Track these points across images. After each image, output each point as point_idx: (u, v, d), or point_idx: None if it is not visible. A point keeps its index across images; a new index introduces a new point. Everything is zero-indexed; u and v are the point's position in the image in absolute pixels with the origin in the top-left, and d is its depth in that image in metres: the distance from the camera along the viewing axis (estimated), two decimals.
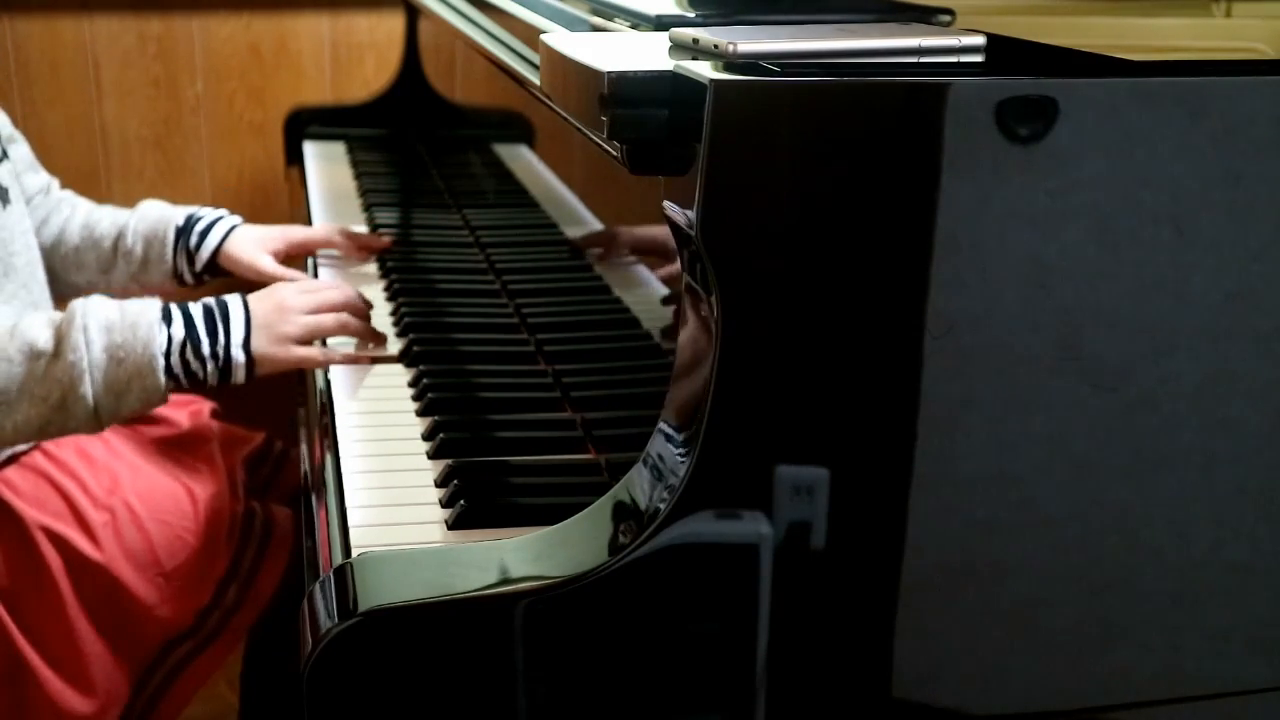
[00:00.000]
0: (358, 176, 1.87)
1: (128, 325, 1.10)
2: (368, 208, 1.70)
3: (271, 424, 1.53)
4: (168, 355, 1.11)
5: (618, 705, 0.74)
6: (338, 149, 2.03)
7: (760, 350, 0.70)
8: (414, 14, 2.05)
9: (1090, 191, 0.71)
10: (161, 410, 1.41)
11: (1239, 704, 0.83)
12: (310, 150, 2.02)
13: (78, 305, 1.12)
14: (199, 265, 1.44)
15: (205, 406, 1.47)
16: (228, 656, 1.31)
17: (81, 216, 1.46)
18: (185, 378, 1.12)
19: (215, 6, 2.14)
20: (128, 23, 2.12)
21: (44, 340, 1.09)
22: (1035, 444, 0.74)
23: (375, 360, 1.21)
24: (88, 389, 1.08)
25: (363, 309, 1.23)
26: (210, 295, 1.18)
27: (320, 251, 1.49)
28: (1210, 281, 0.74)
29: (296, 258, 1.48)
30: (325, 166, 1.94)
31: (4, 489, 1.20)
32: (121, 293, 1.42)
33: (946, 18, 0.93)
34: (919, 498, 0.73)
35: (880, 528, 0.74)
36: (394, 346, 1.26)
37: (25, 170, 1.44)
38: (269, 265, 1.43)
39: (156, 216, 1.45)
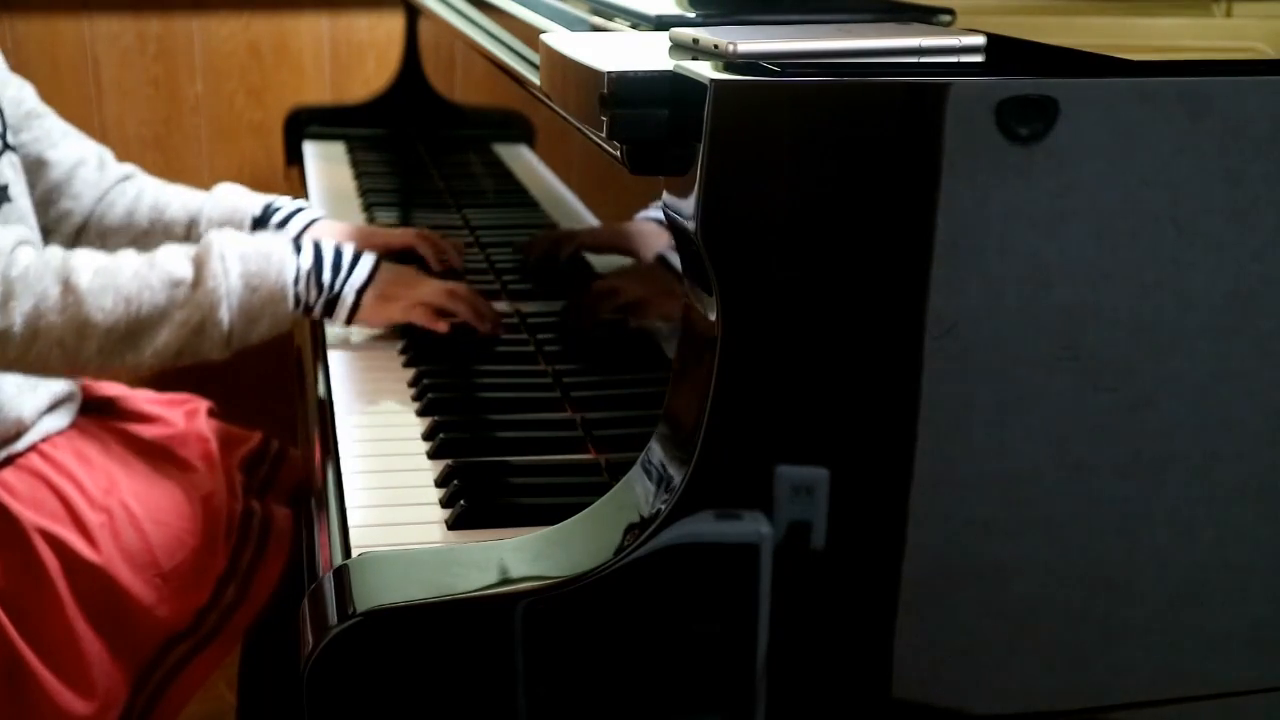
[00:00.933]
0: (358, 176, 1.87)
1: (262, 255, 1.17)
2: (368, 208, 1.70)
3: (268, 423, 1.53)
4: (296, 282, 1.17)
5: (618, 705, 0.74)
6: (338, 149, 2.03)
7: (760, 350, 0.70)
8: (414, 14, 2.05)
9: (1090, 191, 0.71)
10: (158, 410, 1.41)
11: (1239, 704, 0.83)
12: (310, 150, 2.02)
13: (214, 236, 1.18)
14: None
15: (201, 406, 1.46)
16: (226, 656, 1.30)
17: (150, 198, 1.43)
18: (303, 306, 1.18)
19: (215, 6, 2.14)
20: (127, 23, 2.12)
21: (183, 269, 1.15)
22: (1035, 444, 0.74)
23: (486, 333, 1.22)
24: (224, 314, 1.14)
25: (488, 313, 1.23)
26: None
27: None
28: (1210, 281, 0.74)
29: None
30: (325, 166, 1.94)
31: (1, 491, 1.20)
32: None
33: (946, 18, 0.93)
34: (919, 498, 0.73)
35: (880, 528, 0.74)
36: (394, 346, 1.26)
37: (60, 140, 1.40)
38: None
39: (232, 205, 1.42)
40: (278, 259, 1.17)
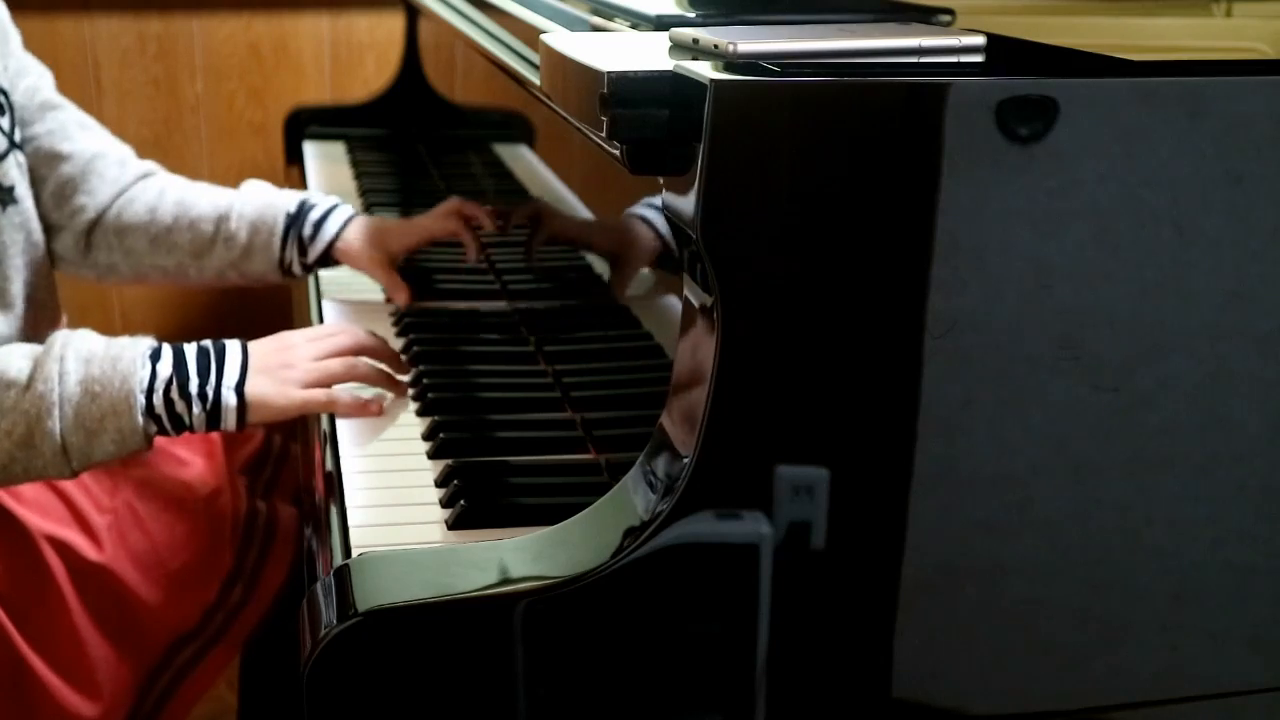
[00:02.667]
0: (358, 176, 1.87)
1: (109, 358, 1.03)
2: (368, 208, 1.70)
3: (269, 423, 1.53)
4: (150, 393, 1.03)
5: (618, 705, 0.74)
6: (338, 149, 2.03)
7: (760, 350, 0.70)
8: (414, 14, 2.06)
9: (1090, 191, 0.71)
10: None
11: (1239, 704, 0.83)
12: (310, 150, 2.02)
13: (60, 336, 1.05)
14: (312, 256, 1.34)
15: None
16: (234, 657, 1.30)
17: (175, 194, 1.37)
18: (169, 419, 1.04)
19: (215, 6, 2.14)
20: (128, 23, 2.12)
21: (16, 370, 1.02)
22: (1035, 444, 0.74)
23: (382, 410, 1.11)
24: (55, 423, 1.01)
25: (381, 350, 1.15)
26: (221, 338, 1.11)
27: (324, 281, 1.43)
28: (1210, 281, 0.74)
29: (415, 251, 1.38)
30: (325, 166, 1.94)
31: (7, 496, 1.20)
32: (215, 280, 1.37)
33: (946, 18, 0.93)
34: (919, 498, 0.73)
35: (880, 528, 0.74)
36: (394, 346, 1.25)
37: (75, 133, 1.34)
38: (380, 268, 1.33)
39: (264, 201, 1.35)
40: (127, 362, 1.02)
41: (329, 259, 1.35)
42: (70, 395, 1.01)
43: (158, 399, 1.03)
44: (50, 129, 1.33)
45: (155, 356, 1.04)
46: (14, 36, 1.35)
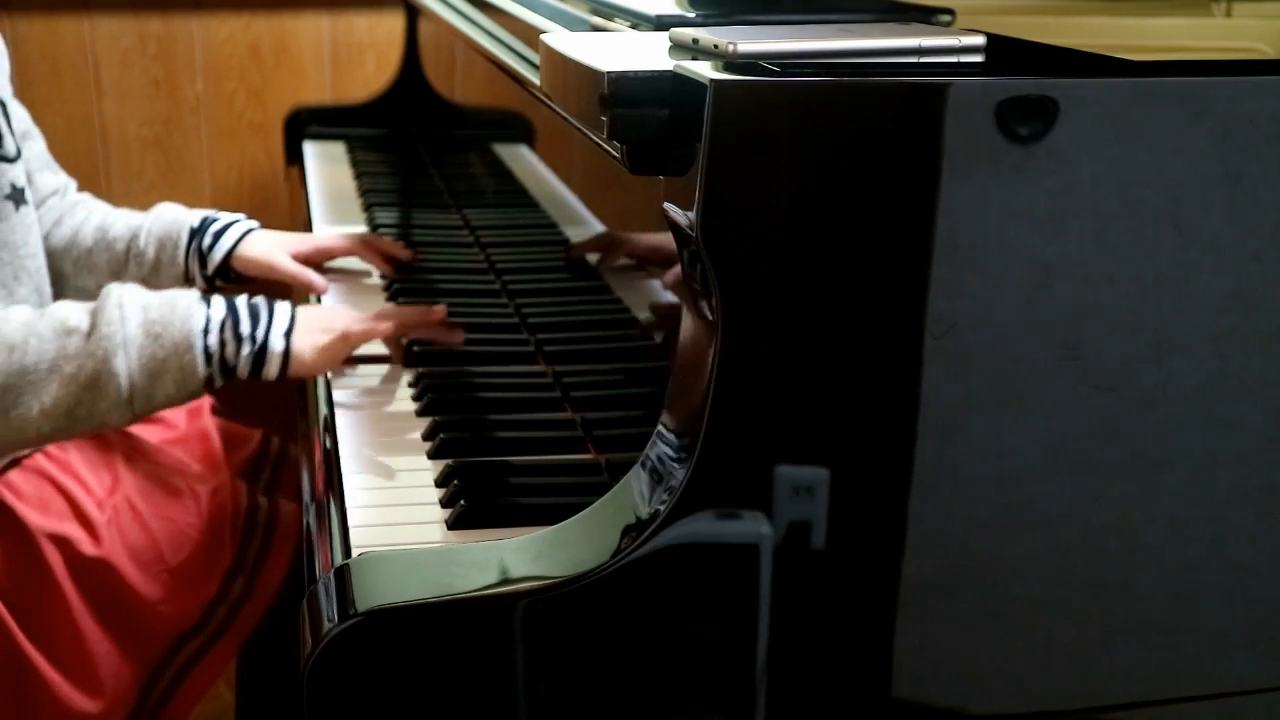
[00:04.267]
0: (358, 176, 1.87)
1: (166, 303, 1.07)
2: (368, 208, 1.70)
3: (268, 423, 1.53)
4: (206, 333, 1.07)
5: (618, 705, 0.74)
6: (338, 149, 2.03)
7: (760, 350, 0.70)
8: (414, 14, 2.06)
9: (1090, 191, 0.71)
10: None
11: (1239, 704, 0.83)
12: (310, 150, 2.02)
13: (112, 288, 1.09)
14: (211, 267, 1.39)
15: (205, 401, 1.47)
16: (235, 654, 1.30)
17: (97, 219, 1.43)
18: (219, 363, 1.08)
19: (215, 6, 2.14)
20: (128, 23, 2.12)
21: (75, 319, 1.05)
22: (1035, 444, 0.74)
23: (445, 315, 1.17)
24: (121, 364, 1.04)
25: (428, 322, 1.19)
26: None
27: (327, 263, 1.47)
28: (1210, 281, 0.74)
29: (315, 264, 1.43)
30: (325, 166, 1.94)
31: (7, 493, 1.20)
32: None
33: (946, 18, 0.93)
34: (919, 498, 0.73)
35: (880, 528, 0.74)
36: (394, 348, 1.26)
37: (41, 169, 1.41)
38: (286, 263, 1.38)
39: (171, 219, 1.41)
40: (183, 307, 1.07)
41: (229, 271, 1.40)
42: (133, 337, 1.04)
43: (213, 339, 1.07)
44: (26, 158, 1.36)
45: (207, 302, 1.09)
46: (5, 61, 1.36)
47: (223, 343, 1.07)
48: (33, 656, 1.18)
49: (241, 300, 1.11)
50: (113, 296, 1.06)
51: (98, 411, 1.05)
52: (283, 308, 1.12)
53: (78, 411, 1.05)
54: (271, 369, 1.09)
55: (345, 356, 1.14)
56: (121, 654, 1.21)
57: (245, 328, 1.08)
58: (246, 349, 1.08)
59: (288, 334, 1.10)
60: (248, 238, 1.40)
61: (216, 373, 1.08)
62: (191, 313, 1.07)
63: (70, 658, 1.19)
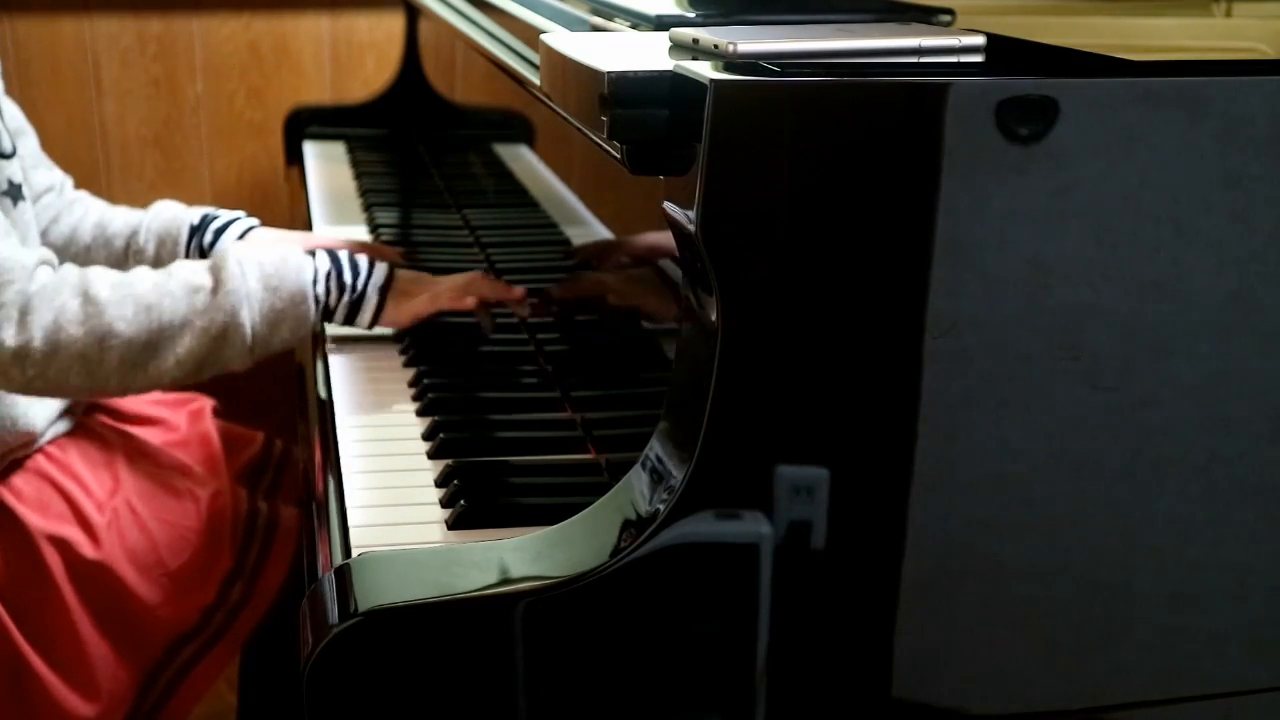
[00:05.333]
0: (358, 176, 1.87)
1: (278, 258, 1.17)
2: (368, 208, 1.70)
3: (269, 423, 1.53)
4: (314, 283, 1.17)
5: (618, 705, 0.74)
6: (338, 149, 2.03)
7: (760, 350, 0.70)
8: (414, 14, 2.05)
9: (1090, 191, 0.71)
10: (162, 413, 1.41)
11: (1239, 704, 0.83)
12: (310, 150, 2.02)
13: (228, 247, 1.23)
14: None
15: (206, 404, 1.47)
16: (233, 658, 1.30)
17: (95, 216, 1.44)
18: (323, 309, 1.18)
19: (215, 6, 2.14)
20: (128, 23, 2.12)
21: (200, 277, 1.15)
22: (1035, 444, 0.74)
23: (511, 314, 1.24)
24: (245, 316, 1.13)
25: (512, 293, 1.24)
26: None
27: None
28: (1210, 281, 0.74)
29: None
30: (325, 166, 1.94)
31: (7, 494, 1.20)
32: None
33: (946, 18, 0.93)
34: (919, 497, 0.73)
35: (880, 528, 0.74)
36: (394, 346, 1.26)
37: (35, 166, 1.41)
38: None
39: (170, 216, 1.42)
40: (295, 262, 1.17)
41: None
42: (254, 291, 1.14)
43: (320, 288, 1.18)
44: (21, 155, 1.36)
45: (313, 254, 1.20)
46: None
47: (328, 290, 1.18)
48: (30, 658, 1.18)
49: (343, 253, 1.21)
50: (231, 255, 1.16)
51: (223, 359, 1.15)
52: (381, 265, 1.22)
53: (207, 359, 1.14)
54: (365, 317, 1.20)
55: (428, 316, 1.22)
56: (118, 657, 1.21)
57: (348, 278, 1.19)
58: (346, 297, 1.19)
59: (383, 289, 1.20)
60: (248, 236, 1.40)
61: (318, 318, 1.19)
62: (303, 266, 1.17)
63: (68, 660, 1.19)
